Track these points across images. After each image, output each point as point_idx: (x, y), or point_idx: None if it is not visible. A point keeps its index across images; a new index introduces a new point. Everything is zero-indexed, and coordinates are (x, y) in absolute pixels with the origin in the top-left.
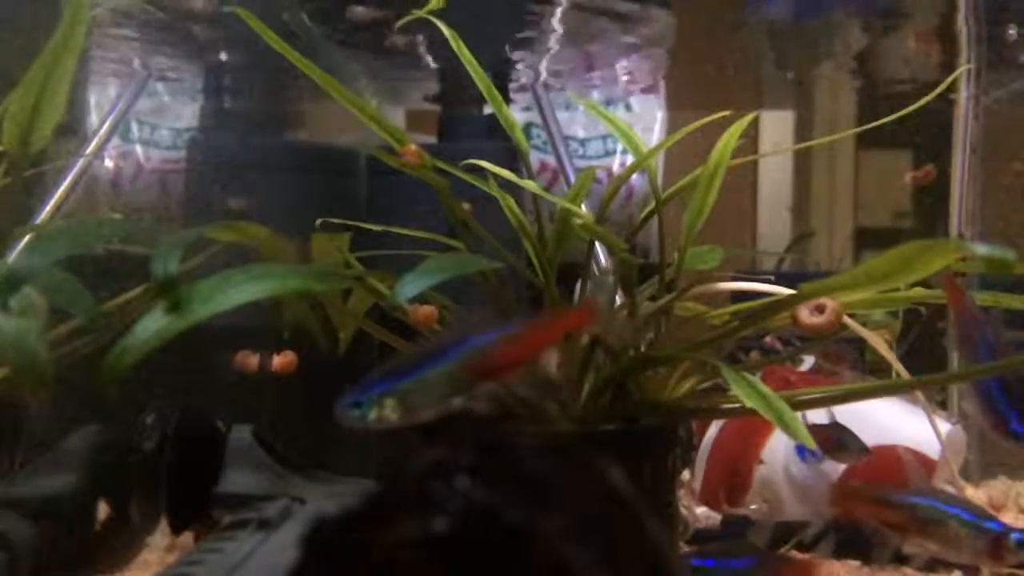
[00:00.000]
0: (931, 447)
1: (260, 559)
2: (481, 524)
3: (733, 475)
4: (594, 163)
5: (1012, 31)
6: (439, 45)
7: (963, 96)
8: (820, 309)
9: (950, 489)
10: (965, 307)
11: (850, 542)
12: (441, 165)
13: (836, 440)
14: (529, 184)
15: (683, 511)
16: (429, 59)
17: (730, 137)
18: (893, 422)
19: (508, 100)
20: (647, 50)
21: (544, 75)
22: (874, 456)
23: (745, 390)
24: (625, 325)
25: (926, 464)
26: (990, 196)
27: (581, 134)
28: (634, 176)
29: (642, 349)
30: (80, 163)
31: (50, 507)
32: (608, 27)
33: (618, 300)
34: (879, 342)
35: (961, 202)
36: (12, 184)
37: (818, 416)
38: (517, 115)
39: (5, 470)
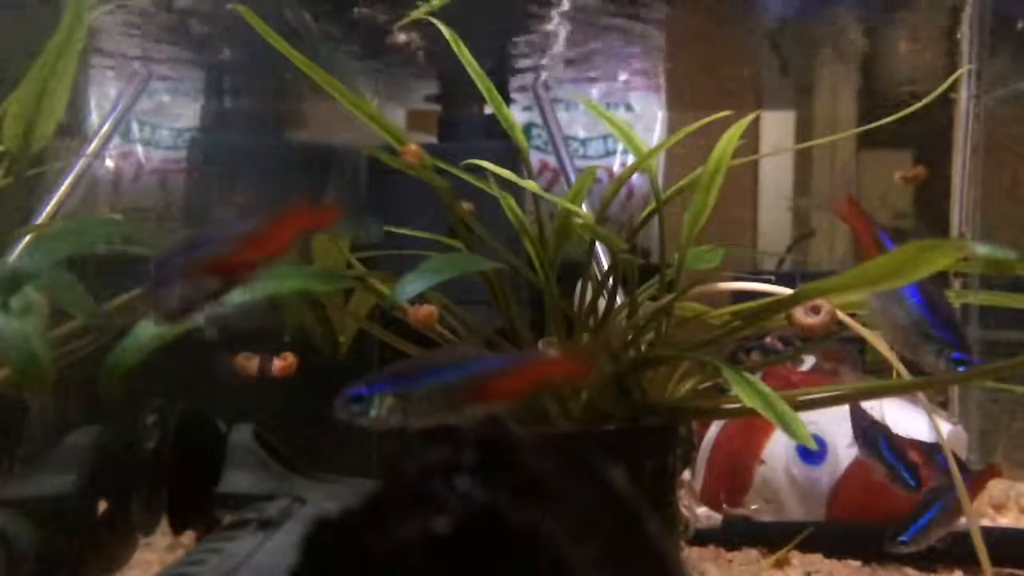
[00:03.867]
0: None
1: (260, 559)
2: (482, 524)
3: (733, 475)
4: (595, 163)
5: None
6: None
7: (963, 96)
8: (815, 310)
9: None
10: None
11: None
12: (441, 165)
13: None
14: (529, 184)
15: (684, 511)
16: (429, 59)
17: (731, 137)
18: (894, 422)
19: (508, 100)
20: (648, 50)
21: (544, 75)
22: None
23: (746, 390)
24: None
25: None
26: (991, 196)
27: (582, 134)
28: (635, 176)
29: (642, 349)
30: (80, 163)
31: (50, 506)
32: (609, 27)
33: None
34: (879, 342)
35: (961, 202)
36: (12, 184)
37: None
38: (517, 115)
39: (5, 470)
